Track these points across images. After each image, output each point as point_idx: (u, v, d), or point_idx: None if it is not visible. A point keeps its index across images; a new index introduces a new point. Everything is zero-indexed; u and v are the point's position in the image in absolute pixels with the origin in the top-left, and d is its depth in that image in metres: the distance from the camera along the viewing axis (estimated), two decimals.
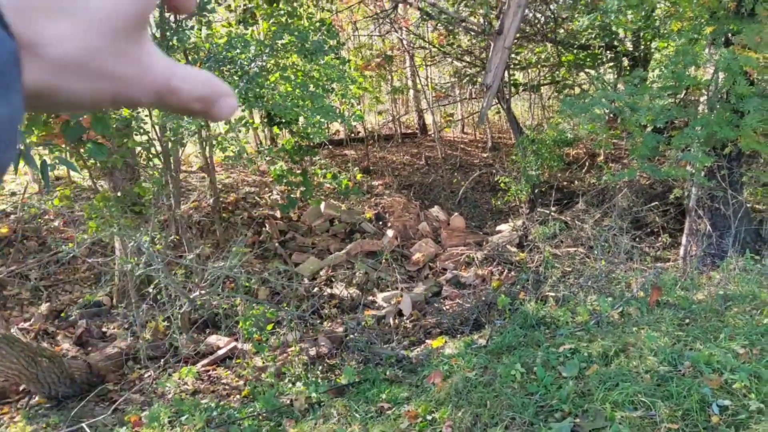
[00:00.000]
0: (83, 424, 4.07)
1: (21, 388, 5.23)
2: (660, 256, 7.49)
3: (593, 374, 3.81)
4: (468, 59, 13.13)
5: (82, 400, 4.91)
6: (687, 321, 4.54)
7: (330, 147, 13.34)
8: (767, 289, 4.98)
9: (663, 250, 7.66)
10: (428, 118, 15.07)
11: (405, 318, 6.61)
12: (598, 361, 4.04)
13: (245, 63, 6.01)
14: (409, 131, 15.37)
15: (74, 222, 7.45)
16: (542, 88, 14.19)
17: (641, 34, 10.85)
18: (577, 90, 12.97)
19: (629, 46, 11.95)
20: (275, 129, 10.32)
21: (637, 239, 7.52)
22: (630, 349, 4.08)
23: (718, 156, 6.65)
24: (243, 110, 7.25)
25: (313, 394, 4.43)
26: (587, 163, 11.65)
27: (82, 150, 6.31)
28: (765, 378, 3.40)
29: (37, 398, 5.09)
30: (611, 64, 12.52)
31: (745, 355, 3.74)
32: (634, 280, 5.85)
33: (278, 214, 9.68)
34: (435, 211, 10.31)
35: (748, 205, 7.48)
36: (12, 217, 8.38)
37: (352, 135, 14.12)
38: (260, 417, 4.14)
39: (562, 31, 11.80)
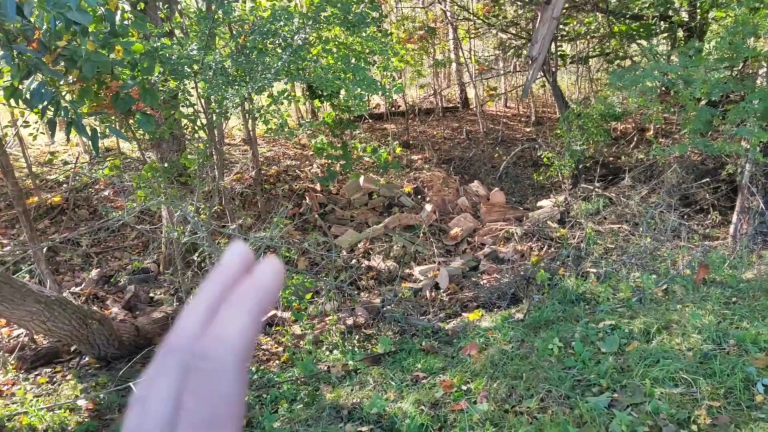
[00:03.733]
0: (131, 384, 4.27)
1: (72, 349, 5.50)
2: (709, 234, 7.23)
3: (633, 350, 3.75)
4: (513, 31, 12.79)
5: (130, 361, 5.13)
6: (734, 299, 4.39)
7: (370, 121, 13.32)
8: None
9: (712, 228, 7.38)
10: (470, 92, 14.82)
11: (442, 291, 6.62)
12: (639, 337, 3.97)
13: (288, 36, 6.03)
14: (451, 105, 15.16)
15: (123, 191, 7.71)
16: (590, 60, 13.72)
17: (698, 3, 10.33)
18: (628, 62, 12.48)
19: (685, 16, 11.39)
20: (316, 102, 10.37)
21: (686, 216, 7.27)
22: (673, 326, 3.99)
23: None
24: (285, 83, 7.28)
25: (350, 362, 4.52)
26: (635, 138, 11.27)
27: (131, 121, 6.51)
28: None
29: (87, 359, 5.34)
30: (665, 35, 11.99)
31: None
32: (680, 257, 5.68)
33: (318, 187, 9.78)
34: (475, 185, 10.21)
35: None
36: (64, 186, 8.75)
37: (393, 109, 14.04)
38: (298, 381, 4.25)
39: (613, 0, 11.33)
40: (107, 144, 10.00)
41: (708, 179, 8.11)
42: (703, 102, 6.75)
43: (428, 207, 9.06)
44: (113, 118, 6.09)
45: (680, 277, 5.05)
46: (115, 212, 5.99)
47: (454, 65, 15.04)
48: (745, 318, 3.94)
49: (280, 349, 5.29)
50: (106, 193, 8.68)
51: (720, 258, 5.51)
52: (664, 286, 4.92)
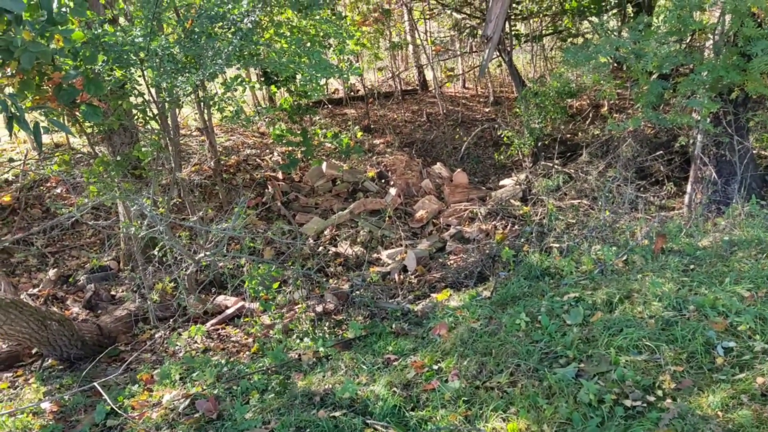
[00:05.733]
0: (95, 383, 4.14)
1: (34, 352, 5.32)
2: (665, 205, 7.45)
3: (597, 321, 3.84)
4: (467, 11, 12.80)
5: (94, 361, 4.99)
6: (692, 267, 4.54)
7: (330, 106, 13.17)
8: None
9: (668, 198, 7.60)
10: (428, 74, 14.80)
11: (410, 274, 6.64)
12: (603, 308, 4.06)
13: (238, 19, 5.84)
14: (410, 88, 15.12)
15: (76, 188, 7.42)
16: (544, 38, 13.86)
17: None
18: (581, 40, 12.66)
19: None
20: (272, 88, 10.16)
21: (642, 189, 7.46)
22: (634, 295, 4.09)
23: (724, 101, 6.52)
24: (239, 69, 7.08)
25: (321, 349, 4.49)
26: (591, 115, 11.48)
27: (77, 113, 6.23)
28: None
29: (50, 361, 5.17)
30: (615, 11, 12.20)
31: (751, 298, 3.75)
32: (638, 228, 5.83)
33: (280, 175, 9.63)
34: (437, 167, 10.24)
35: (754, 151, 7.39)
36: (14, 186, 8.37)
37: (352, 94, 13.90)
38: (269, 371, 4.20)
39: None
40: (56, 139, 9.59)
41: (662, 151, 8.33)
42: (654, 75, 6.89)
43: (392, 191, 9.04)
44: (58, 111, 5.83)
45: (639, 247, 5.18)
46: (65, 209, 5.76)
47: (410, 47, 14.97)
48: (703, 284, 4.07)
49: (250, 340, 5.22)
50: (58, 190, 8.34)
51: (676, 227, 5.67)
52: (624, 257, 5.04)
